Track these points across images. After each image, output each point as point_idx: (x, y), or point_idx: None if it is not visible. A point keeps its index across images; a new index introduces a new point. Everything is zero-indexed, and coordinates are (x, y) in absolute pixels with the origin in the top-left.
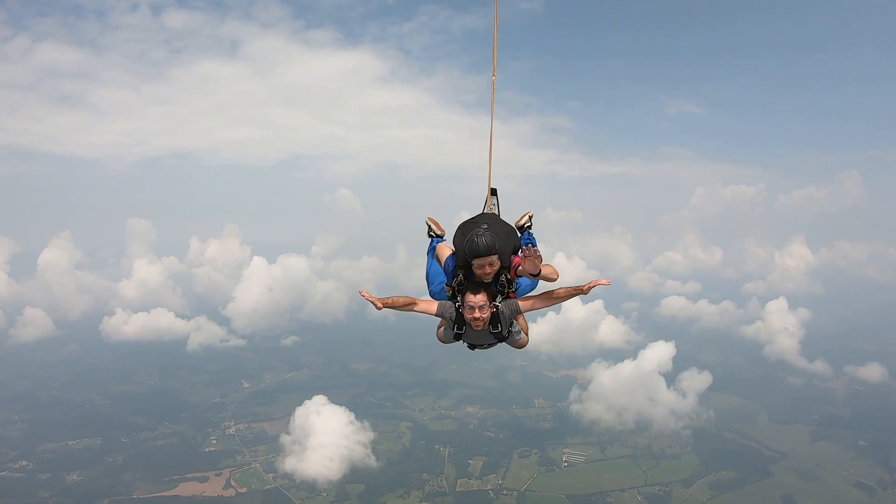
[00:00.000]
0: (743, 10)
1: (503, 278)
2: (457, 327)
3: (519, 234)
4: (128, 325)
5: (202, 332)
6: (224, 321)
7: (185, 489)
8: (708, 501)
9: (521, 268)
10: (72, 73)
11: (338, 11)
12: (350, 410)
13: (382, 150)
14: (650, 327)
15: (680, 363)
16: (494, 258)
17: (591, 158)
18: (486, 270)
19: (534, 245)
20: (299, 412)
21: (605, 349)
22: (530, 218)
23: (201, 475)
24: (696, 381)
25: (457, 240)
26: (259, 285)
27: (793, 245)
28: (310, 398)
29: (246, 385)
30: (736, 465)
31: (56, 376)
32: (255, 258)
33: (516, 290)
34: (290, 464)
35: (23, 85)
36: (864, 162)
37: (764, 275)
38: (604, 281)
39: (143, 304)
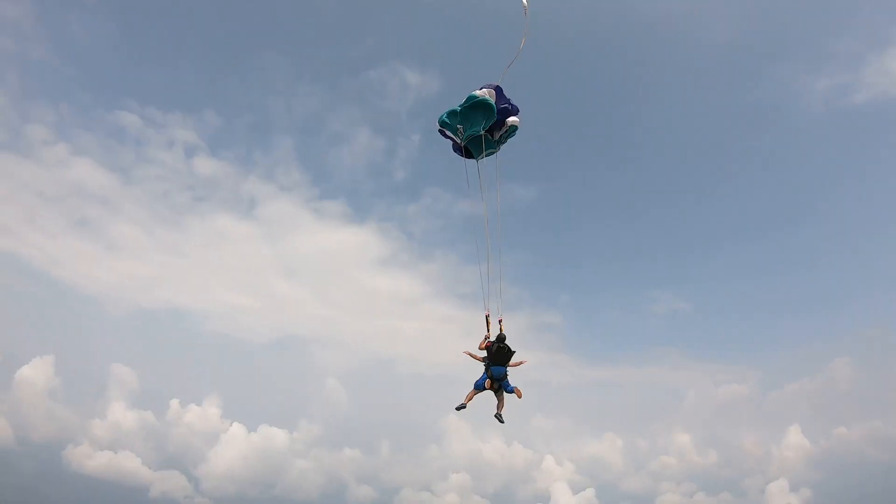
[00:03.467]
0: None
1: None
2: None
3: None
4: (92, 460)
5: (168, 483)
6: (193, 479)
7: None
8: None
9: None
10: (97, 196)
11: (351, 184)
12: None
13: (375, 340)
14: None
15: None
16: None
17: (581, 363)
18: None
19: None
20: None
21: None
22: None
23: None
24: None
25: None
26: (235, 451)
27: (790, 436)
28: None
29: None
30: None
31: (9, 497)
32: (235, 424)
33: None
34: None
35: (48, 195)
36: (853, 344)
37: (762, 469)
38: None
39: (111, 445)
